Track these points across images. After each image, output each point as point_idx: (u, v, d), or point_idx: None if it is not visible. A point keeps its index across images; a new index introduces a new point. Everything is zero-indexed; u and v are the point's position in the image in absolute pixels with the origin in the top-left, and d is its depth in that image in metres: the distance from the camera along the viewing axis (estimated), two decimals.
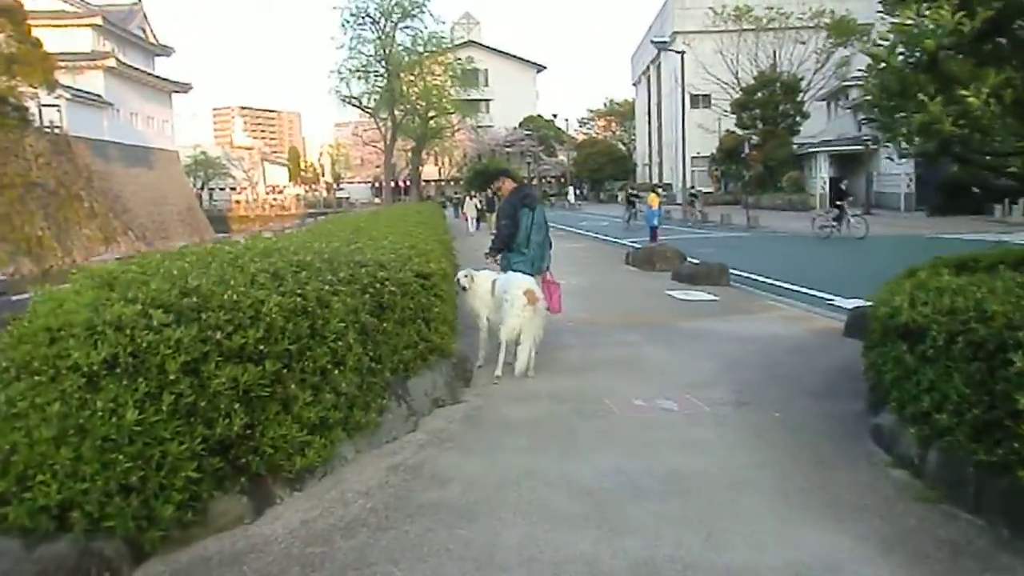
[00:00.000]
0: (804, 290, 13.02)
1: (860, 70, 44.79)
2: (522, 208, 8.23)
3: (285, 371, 3.81)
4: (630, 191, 36.59)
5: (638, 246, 20.93)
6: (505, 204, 8.71)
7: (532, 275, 7.60)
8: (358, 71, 40.01)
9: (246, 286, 3.76)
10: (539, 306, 6.91)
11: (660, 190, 23.17)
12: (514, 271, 7.72)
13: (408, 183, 57.29)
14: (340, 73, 40.37)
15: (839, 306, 11.09)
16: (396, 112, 39.85)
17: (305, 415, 3.91)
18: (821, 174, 42.83)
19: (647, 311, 10.79)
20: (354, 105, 40.84)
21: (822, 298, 12.03)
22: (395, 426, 4.94)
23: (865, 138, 38.70)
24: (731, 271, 13.88)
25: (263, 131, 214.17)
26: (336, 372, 4.24)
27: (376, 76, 39.87)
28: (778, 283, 14.04)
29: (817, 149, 43.89)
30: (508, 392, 6.39)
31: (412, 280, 5.50)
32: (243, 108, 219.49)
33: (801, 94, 47.93)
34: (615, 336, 8.86)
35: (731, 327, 9.34)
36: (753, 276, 14.87)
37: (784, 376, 6.59)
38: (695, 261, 15.31)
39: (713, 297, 11.91)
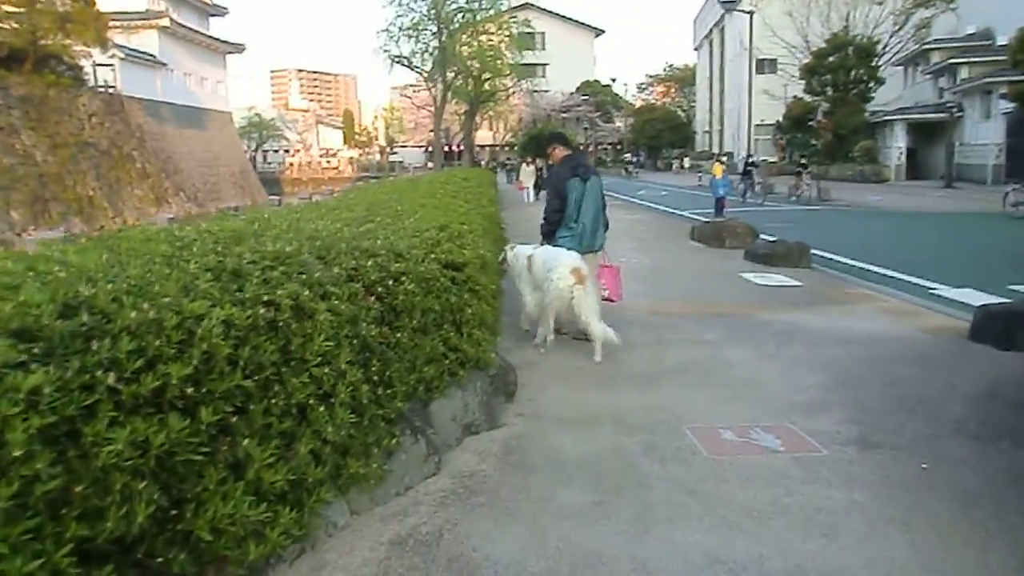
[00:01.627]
0: (897, 275, 11.45)
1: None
2: (571, 179, 7.35)
3: (236, 419, 2.58)
4: (747, 162, 33.30)
5: (703, 219, 19.43)
6: (552, 175, 7.97)
7: (581, 252, 6.93)
8: (408, 29, 38.48)
9: (176, 294, 2.52)
10: (588, 282, 6.43)
11: (724, 158, 21.36)
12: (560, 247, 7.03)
13: (460, 148, 55.90)
14: (389, 31, 38.98)
15: (947, 298, 9.55)
16: (448, 73, 38.23)
17: (267, 480, 2.67)
18: (897, 144, 40.33)
19: (721, 298, 9.36)
20: (404, 65, 39.32)
21: (921, 286, 10.47)
22: (409, 469, 3.70)
23: (949, 105, 36.20)
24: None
25: (319, 94, 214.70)
26: (320, 410, 3.00)
27: (427, 35, 38.34)
28: (865, 266, 12.47)
29: (894, 117, 41.28)
30: (561, 407, 5.11)
31: (438, 273, 4.22)
32: (300, 71, 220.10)
33: (876, 58, 45.00)
34: (687, 331, 7.49)
35: (825, 323, 7.89)
36: (834, 256, 13.29)
37: (915, 400, 5.16)
38: (770, 238, 13.76)
39: (795, 282, 10.44)
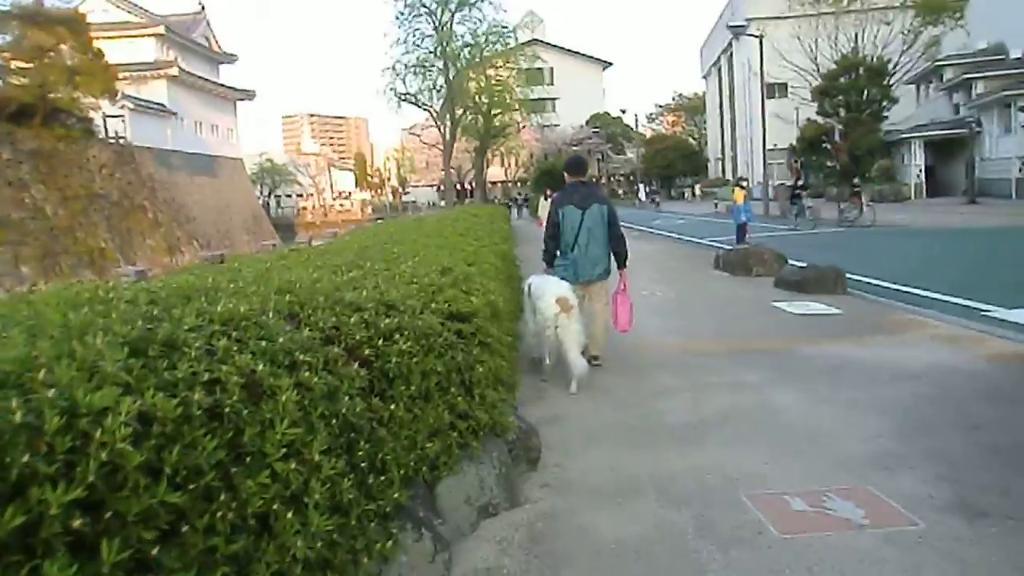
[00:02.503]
0: (943, 297, 10.63)
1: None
2: (564, 207, 7.27)
3: (160, 549, 1.88)
4: (796, 185, 30.72)
5: (725, 246, 18.71)
6: (550, 205, 7.79)
7: (574, 282, 6.97)
8: (414, 66, 38.16)
9: (70, 381, 1.83)
10: (573, 312, 6.45)
11: (744, 182, 20.64)
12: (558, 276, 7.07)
13: (472, 185, 55.50)
14: (395, 69, 38.63)
15: (1005, 321, 8.74)
16: (456, 109, 37.79)
17: None
18: (916, 162, 39.50)
19: (756, 332, 8.60)
20: (411, 102, 38.98)
21: (972, 308, 9.66)
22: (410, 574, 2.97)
23: (967, 120, 35.43)
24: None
25: (331, 137, 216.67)
26: (288, 518, 2.29)
27: (434, 71, 37.99)
28: (906, 288, 11.67)
29: (910, 135, 40.49)
30: (593, 474, 4.38)
31: (440, 327, 3.52)
32: (311, 115, 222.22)
33: (888, 77, 44.34)
34: (725, 372, 6.74)
35: (876, 355, 7.12)
36: (870, 280, 12.49)
37: (1008, 448, 4.40)
38: (800, 264, 13.01)
39: (834, 310, 9.67)
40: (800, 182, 31.35)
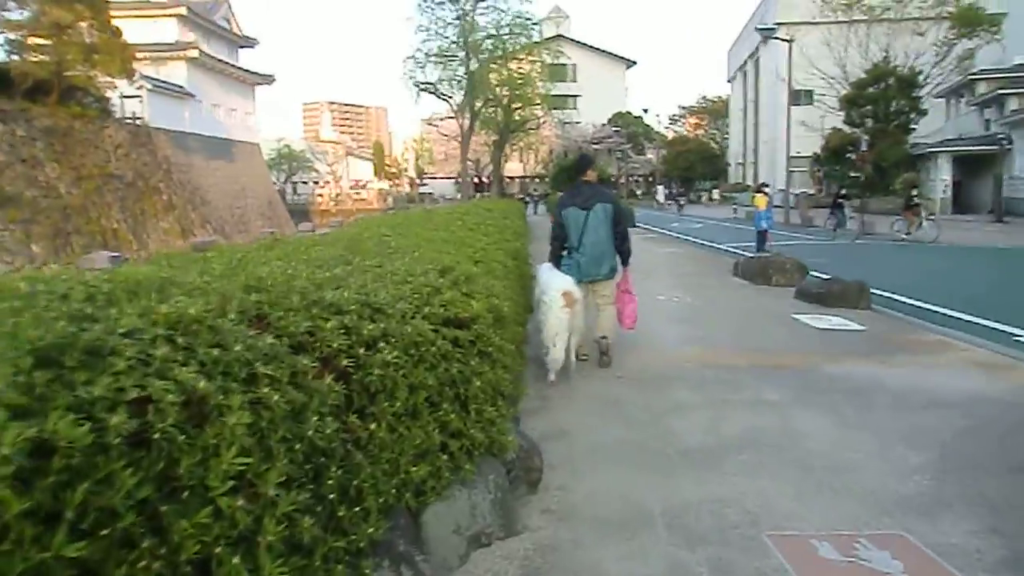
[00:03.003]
0: (971, 318, 10.15)
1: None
2: (568, 207, 7.40)
3: None
4: (839, 193, 29.62)
5: (743, 253, 18.28)
6: (556, 206, 8.01)
7: (579, 281, 7.06)
8: (435, 56, 37.60)
9: None
10: (576, 308, 6.68)
11: (767, 188, 20.10)
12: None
13: (489, 179, 55.04)
14: (416, 58, 38.07)
15: None
16: (476, 102, 37.23)
17: None
18: (942, 176, 38.80)
19: (776, 346, 8.16)
20: (430, 92, 38.46)
21: (1002, 332, 9.18)
22: None
23: (999, 137, 34.71)
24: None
25: (351, 125, 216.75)
26: (234, 563, 1.90)
27: (455, 62, 37.40)
28: (932, 307, 11.19)
29: (939, 149, 39.78)
30: (599, 500, 3.98)
31: (431, 334, 3.13)
32: (331, 103, 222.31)
33: (918, 89, 43.56)
34: (745, 389, 6.31)
35: (905, 378, 6.67)
36: (892, 296, 12.01)
37: None
38: (823, 276, 12.55)
39: (857, 326, 9.22)
40: (843, 191, 30.24)
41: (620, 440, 5.04)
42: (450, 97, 38.06)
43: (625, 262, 7.58)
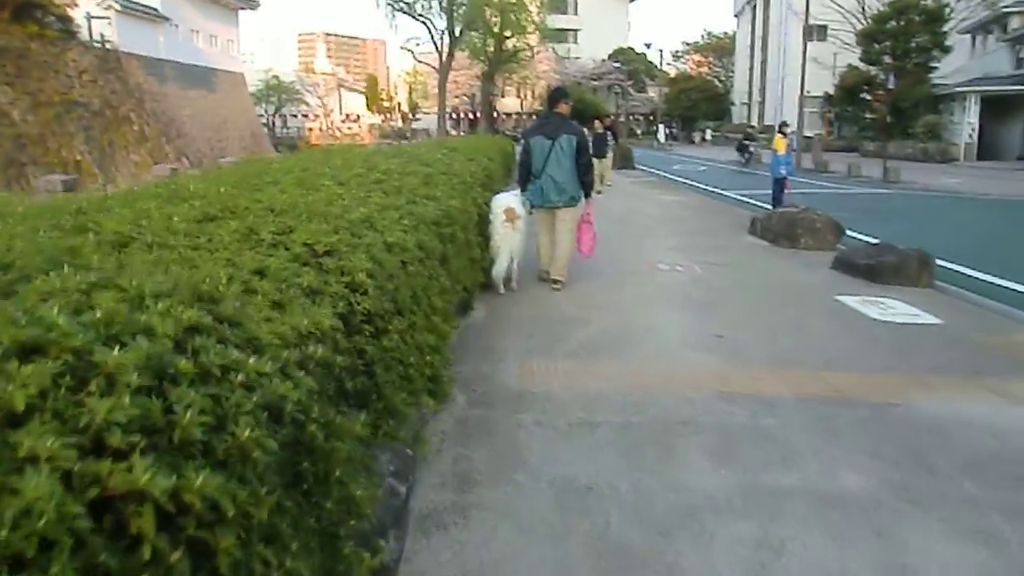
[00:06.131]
0: None
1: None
2: (535, 136, 7.89)
3: None
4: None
5: (755, 202, 15.82)
6: (525, 132, 8.67)
7: (540, 206, 7.90)
8: None
9: None
10: (518, 223, 7.37)
11: (787, 128, 17.32)
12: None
13: (477, 115, 51.77)
14: None
15: None
16: (456, 25, 33.65)
17: None
18: (969, 119, 35.92)
19: (828, 353, 5.72)
20: (404, 12, 34.90)
21: None
22: None
23: None
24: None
25: (347, 58, 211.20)
26: None
27: None
28: (1008, 284, 8.82)
29: (966, 89, 36.75)
30: None
31: None
32: (327, 34, 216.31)
33: (943, 23, 40.17)
34: (802, 458, 3.84)
35: None
36: (953, 267, 9.61)
37: None
38: (869, 239, 10.12)
39: (930, 317, 6.82)
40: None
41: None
42: (427, 20, 34.64)
43: (588, 193, 7.96)
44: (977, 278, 9.18)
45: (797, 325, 6.54)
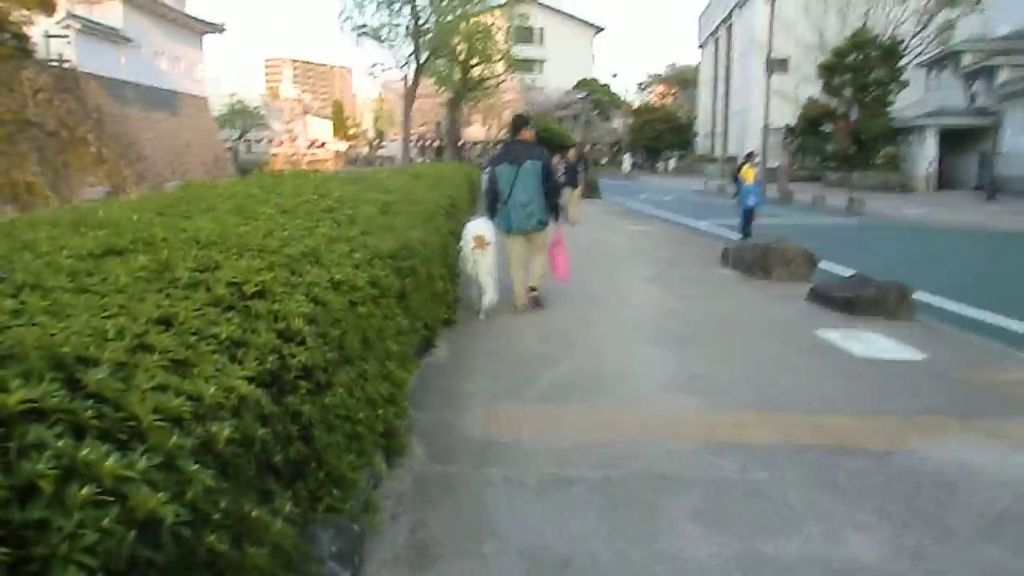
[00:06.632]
0: None
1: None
2: (502, 163, 8.02)
3: None
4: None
5: (725, 232, 15.62)
6: (490, 160, 9.02)
7: (509, 231, 7.98)
8: None
9: None
10: (488, 250, 7.43)
11: (756, 158, 17.07)
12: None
13: (442, 143, 51.41)
14: None
15: None
16: (422, 52, 33.15)
17: None
18: (927, 152, 36.41)
19: (815, 394, 5.34)
20: (369, 37, 34.37)
21: None
22: None
23: (992, 111, 32.31)
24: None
25: (313, 84, 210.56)
26: None
27: (399, 3, 33.14)
28: (983, 317, 8.60)
29: (925, 122, 37.27)
30: None
31: None
32: (294, 60, 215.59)
33: (899, 59, 40.74)
34: (800, 518, 3.45)
35: None
36: (927, 298, 9.37)
37: None
38: (843, 270, 9.86)
39: (913, 352, 6.51)
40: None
41: None
42: (392, 45, 34.19)
43: (556, 216, 8.19)
44: (954, 312, 8.94)
45: (779, 362, 6.18)
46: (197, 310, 2.12)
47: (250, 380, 1.99)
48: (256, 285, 2.50)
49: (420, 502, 3.54)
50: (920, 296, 8.81)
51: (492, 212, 8.04)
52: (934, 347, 6.75)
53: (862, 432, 4.55)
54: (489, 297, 7.43)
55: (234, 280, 2.47)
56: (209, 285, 2.37)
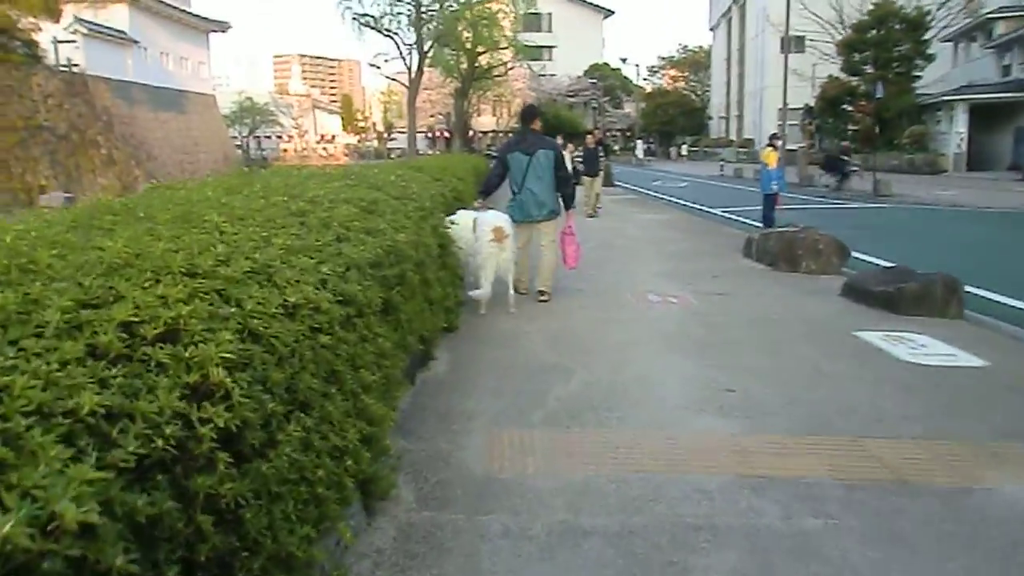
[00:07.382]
0: None
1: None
2: (513, 152, 8.04)
3: None
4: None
5: (744, 220, 14.91)
6: (502, 148, 8.84)
7: (521, 221, 7.92)
8: None
9: None
10: (506, 242, 7.25)
11: (778, 141, 16.26)
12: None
13: (450, 133, 50.56)
14: None
15: None
16: (425, 41, 32.29)
17: None
18: (957, 129, 35.09)
19: (864, 412, 4.64)
20: (371, 27, 33.66)
21: None
22: None
23: None
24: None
25: (322, 79, 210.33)
26: None
27: None
28: None
29: (954, 98, 35.90)
30: None
31: None
32: (302, 56, 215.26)
33: (924, 31, 39.42)
34: None
35: None
36: (979, 291, 8.62)
37: None
38: (879, 262, 9.15)
39: (971, 358, 5.80)
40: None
41: None
42: (396, 35, 33.43)
43: (568, 205, 8.24)
44: (1012, 307, 8.18)
45: (817, 371, 5.52)
46: (56, 370, 1.52)
47: (119, 472, 1.41)
48: (165, 324, 1.90)
49: (403, 564, 2.94)
50: (967, 289, 8.11)
51: (485, 193, 8.27)
52: (994, 351, 6.03)
53: (923, 462, 3.88)
54: (484, 293, 7.23)
55: (133, 318, 1.86)
56: (94, 329, 1.76)
